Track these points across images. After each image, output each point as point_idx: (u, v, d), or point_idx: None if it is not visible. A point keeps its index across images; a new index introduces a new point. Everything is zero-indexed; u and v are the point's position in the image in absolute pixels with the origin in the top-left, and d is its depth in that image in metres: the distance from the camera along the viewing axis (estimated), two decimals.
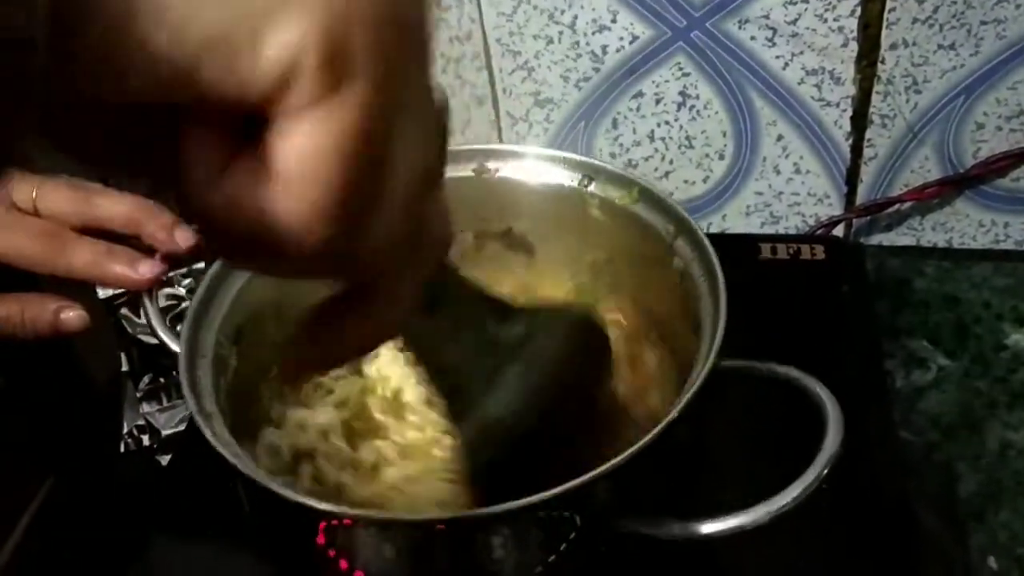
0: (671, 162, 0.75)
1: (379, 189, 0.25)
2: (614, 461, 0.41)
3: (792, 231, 0.76)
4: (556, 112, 0.74)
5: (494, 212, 0.57)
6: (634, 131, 0.74)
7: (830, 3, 0.66)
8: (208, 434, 0.43)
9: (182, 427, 0.65)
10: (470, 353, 0.40)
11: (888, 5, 0.65)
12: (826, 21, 0.67)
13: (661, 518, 0.41)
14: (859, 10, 0.66)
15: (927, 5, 0.65)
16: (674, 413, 0.41)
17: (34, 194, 0.52)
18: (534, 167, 0.56)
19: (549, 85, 0.73)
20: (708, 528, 0.40)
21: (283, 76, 0.22)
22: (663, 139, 0.74)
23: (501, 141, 0.76)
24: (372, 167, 0.24)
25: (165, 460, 0.65)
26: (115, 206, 0.52)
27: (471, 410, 0.41)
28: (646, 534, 0.41)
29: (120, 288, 0.51)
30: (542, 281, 0.59)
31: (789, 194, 0.75)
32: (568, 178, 0.56)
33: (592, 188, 0.55)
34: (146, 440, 0.66)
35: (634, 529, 0.41)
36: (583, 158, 0.55)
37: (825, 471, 0.39)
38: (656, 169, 0.75)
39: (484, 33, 0.71)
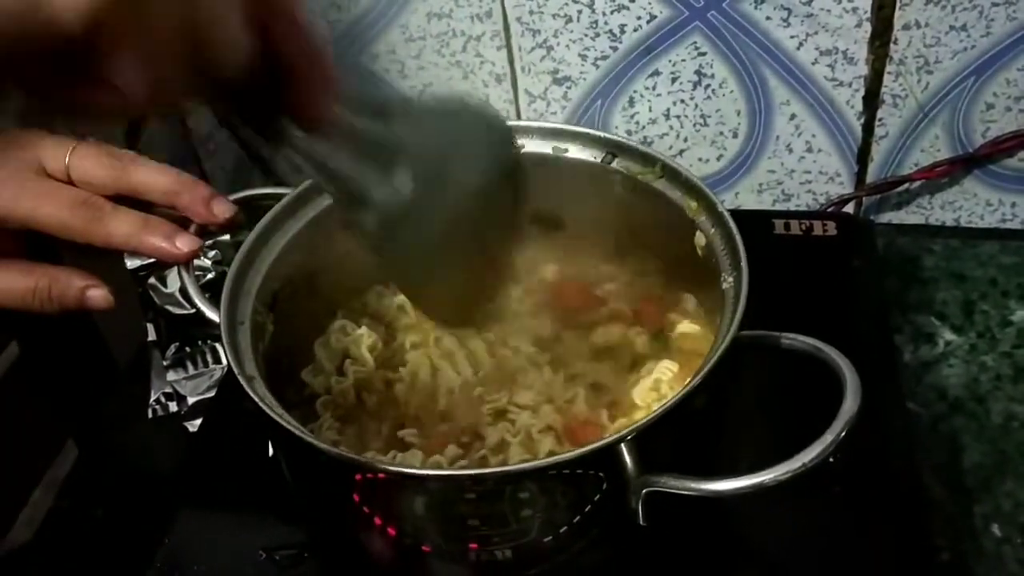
0: (686, 140, 0.76)
1: None
2: (639, 423, 0.42)
3: (803, 208, 0.78)
4: (574, 90, 0.75)
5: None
6: (650, 109, 0.75)
7: None
8: (252, 394, 0.44)
9: (209, 394, 0.67)
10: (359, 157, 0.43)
11: None
12: (840, 2, 0.68)
13: (684, 476, 0.42)
14: None
15: None
16: (697, 379, 0.43)
17: (67, 160, 0.51)
18: (558, 143, 0.58)
19: (567, 63, 0.74)
20: (730, 485, 0.42)
21: None
22: (678, 117, 0.75)
23: (519, 119, 0.78)
24: None
25: (192, 425, 0.66)
26: (152, 176, 0.52)
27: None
28: (670, 492, 0.43)
29: (157, 259, 0.52)
30: (570, 256, 0.60)
31: (801, 172, 0.76)
32: (591, 154, 0.57)
33: (615, 164, 0.57)
34: (173, 407, 0.68)
35: (658, 487, 0.43)
36: (606, 134, 0.57)
37: (843, 434, 0.41)
38: (671, 147, 0.77)
39: (504, 12, 0.72)
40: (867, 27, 0.69)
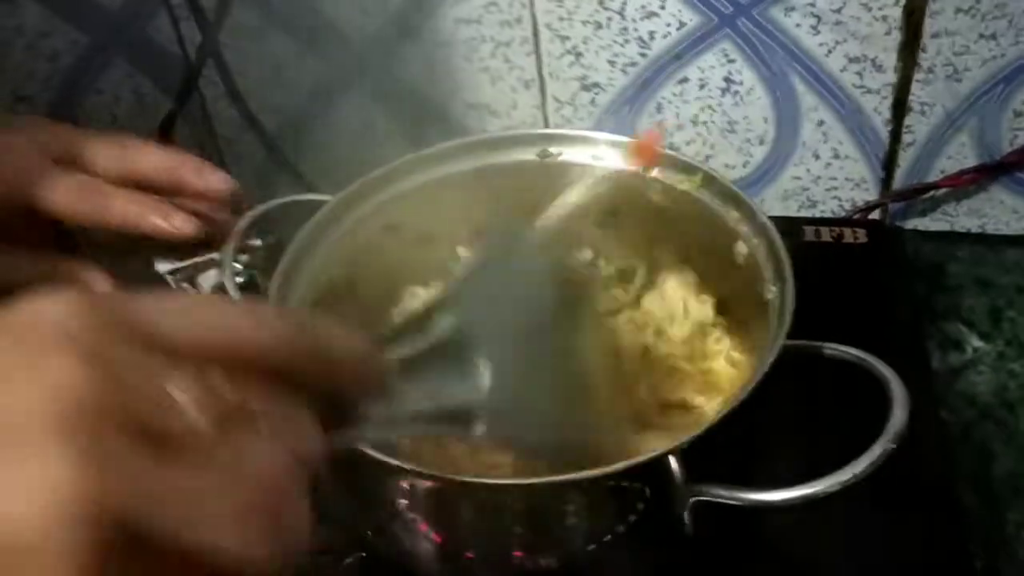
0: (712, 146, 0.77)
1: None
2: (685, 439, 0.43)
3: (828, 215, 0.78)
4: (602, 96, 0.76)
5: (557, 196, 0.59)
6: (677, 115, 0.76)
7: None
8: None
9: None
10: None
11: None
12: (870, 10, 0.68)
13: (733, 487, 0.43)
14: None
15: None
16: (747, 392, 0.43)
17: (75, 148, 0.52)
18: (595, 151, 0.58)
19: (596, 70, 0.74)
20: (781, 496, 0.42)
21: None
22: (705, 123, 0.76)
23: (546, 124, 0.78)
24: None
25: None
26: (152, 157, 0.53)
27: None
28: (715, 502, 0.43)
29: (159, 237, 0.53)
30: (609, 265, 0.61)
31: (827, 179, 0.77)
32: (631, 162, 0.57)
33: (654, 173, 0.57)
34: None
35: (707, 497, 0.43)
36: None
37: (893, 446, 0.41)
38: (697, 153, 0.77)
39: (534, 18, 0.73)
40: (897, 35, 0.69)
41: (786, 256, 0.48)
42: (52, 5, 0.73)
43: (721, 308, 0.57)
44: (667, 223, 0.57)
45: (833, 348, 0.47)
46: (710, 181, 0.55)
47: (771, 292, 0.48)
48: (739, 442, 0.47)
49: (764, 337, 0.48)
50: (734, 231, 0.53)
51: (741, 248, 0.52)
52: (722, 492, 0.43)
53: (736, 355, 0.55)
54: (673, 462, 0.43)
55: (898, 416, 0.42)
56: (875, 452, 0.41)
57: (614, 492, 0.44)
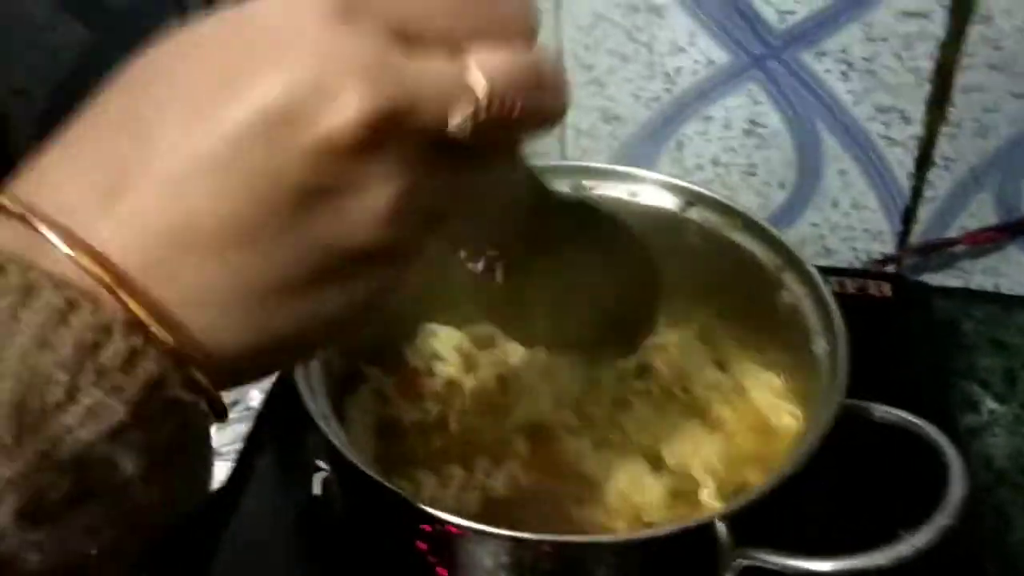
0: (731, 188, 0.75)
1: None
2: (734, 505, 0.41)
3: (843, 265, 0.77)
4: (622, 129, 0.74)
5: None
6: (698, 154, 0.74)
7: (908, 43, 0.66)
8: (323, 427, 0.42)
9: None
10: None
11: (965, 50, 0.66)
12: (902, 60, 0.67)
13: (783, 553, 0.41)
14: (936, 52, 0.67)
15: (1004, 53, 0.66)
16: (802, 459, 0.41)
17: None
18: (631, 187, 0.56)
19: (618, 102, 0.73)
20: (834, 566, 0.40)
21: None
22: (726, 165, 0.74)
23: (564, 153, 0.76)
24: None
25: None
26: None
27: None
28: (765, 568, 0.41)
29: None
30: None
31: (844, 228, 0.75)
32: (668, 201, 0.55)
33: (691, 214, 0.55)
34: None
35: (756, 562, 0.41)
36: (685, 183, 0.55)
37: (951, 522, 0.40)
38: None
39: (560, 45, 0.71)
40: (927, 87, 0.68)
41: (837, 309, 0.46)
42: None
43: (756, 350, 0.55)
44: (702, 265, 0.55)
45: (884, 410, 0.45)
46: (751, 225, 0.53)
47: (819, 346, 0.47)
48: (793, 503, 0.45)
49: (804, 388, 0.47)
50: (777, 279, 0.51)
51: (784, 297, 0.51)
52: (771, 558, 0.41)
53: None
54: (721, 527, 0.41)
55: (956, 491, 0.41)
56: (933, 528, 0.40)
57: (659, 553, 0.41)
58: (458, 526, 0.42)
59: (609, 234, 0.44)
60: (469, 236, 0.39)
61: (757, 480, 0.49)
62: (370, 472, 0.42)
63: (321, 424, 0.44)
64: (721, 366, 0.55)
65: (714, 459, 0.50)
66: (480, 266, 0.40)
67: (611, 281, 0.45)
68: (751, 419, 0.52)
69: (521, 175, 0.34)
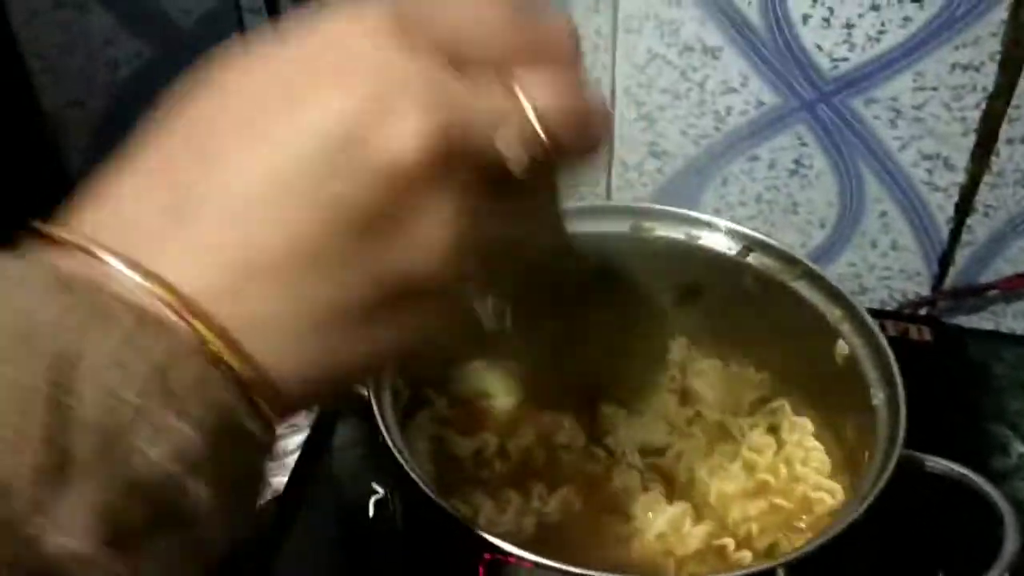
0: (773, 224, 0.76)
1: None
2: (795, 554, 0.42)
3: (876, 305, 0.78)
4: (669, 164, 0.75)
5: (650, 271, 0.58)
6: (742, 191, 0.75)
7: (958, 93, 0.68)
8: (394, 449, 0.43)
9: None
10: None
11: (1013, 102, 0.67)
12: (951, 110, 0.69)
13: None
14: (984, 103, 0.68)
15: None
16: (861, 510, 0.42)
17: None
18: (691, 229, 0.57)
19: (667, 138, 0.74)
20: None
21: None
22: (769, 202, 0.75)
23: (609, 186, 0.77)
24: None
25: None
26: None
27: None
28: None
29: None
30: (696, 346, 0.60)
31: (881, 268, 0.77)
32: (726, 246, 0.57)
33: (750, 259, 0.56)
34: None
35: None
36: (747, 230, 0.56)
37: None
38: (756, 229, 0.76)
39: (613, 81, 0.72)
40: (973, 137, 0.69)
41: (894, 362, 0.48)
42: (123, 15, 0.71)
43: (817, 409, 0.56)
44: (757, 312, 0.56)
45: (935, 462, 0.46)
46: (809, 274, 0.54)
47: (877, 398, 0.48)
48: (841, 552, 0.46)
49: (857, 439, 0.48)
50: (835, 329, 0.52)
51: (842, 348, 0.52)
52: None
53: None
54: (781, 574, 0.42)
55: (1011, 546, 0.42)
56: None
57: None
58: (523, 558, 0.43)
59: (621, 292, 0.45)
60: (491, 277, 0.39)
61: (786, 544, 0.50)
62: (436, 498, 0.42)
63: (392, 446, 0.44)
64: (773, 429, 0.55)
65: (752, 515, 0.51)
66: (489, 309, 0.40)
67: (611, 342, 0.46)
68: (794, 492, 0.53)
69: (558, 216, 0.34)
